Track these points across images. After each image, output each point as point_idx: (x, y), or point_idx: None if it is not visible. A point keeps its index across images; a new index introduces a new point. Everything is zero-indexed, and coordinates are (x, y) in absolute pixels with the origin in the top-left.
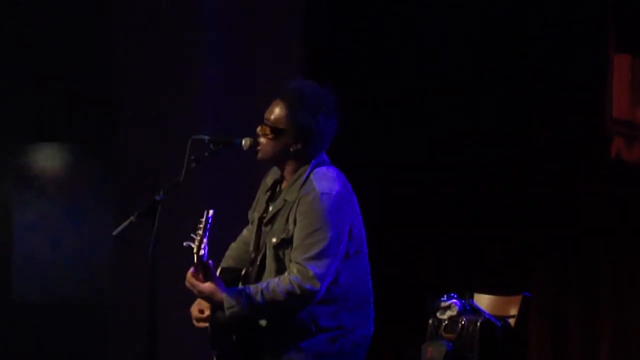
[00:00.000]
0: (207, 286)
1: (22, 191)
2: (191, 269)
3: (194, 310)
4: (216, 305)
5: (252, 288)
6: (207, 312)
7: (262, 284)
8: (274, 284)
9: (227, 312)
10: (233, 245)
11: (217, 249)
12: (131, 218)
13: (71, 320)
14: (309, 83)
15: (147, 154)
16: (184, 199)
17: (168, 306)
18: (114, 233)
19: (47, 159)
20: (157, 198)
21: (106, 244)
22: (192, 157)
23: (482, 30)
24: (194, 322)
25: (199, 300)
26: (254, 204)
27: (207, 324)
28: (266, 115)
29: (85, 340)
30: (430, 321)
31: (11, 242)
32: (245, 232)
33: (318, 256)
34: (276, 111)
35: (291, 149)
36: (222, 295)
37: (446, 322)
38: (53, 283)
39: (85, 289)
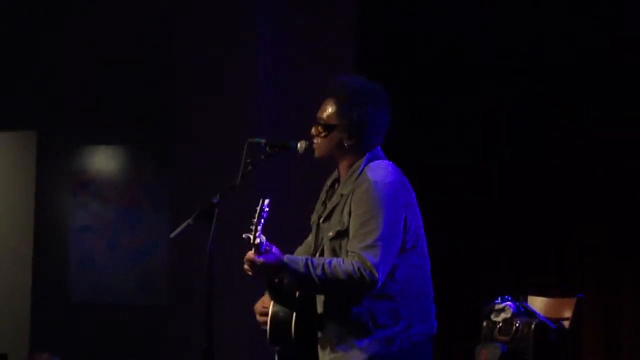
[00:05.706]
0: (268, 257)
1: (79, 194)
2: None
3: (258, 306)
4: (278, 272)
5: (315, 260)
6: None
7: (325, 259)
8: (336, 261)
9: (287, 279)
10: (299, 249)
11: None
12: (188, 221)
13: (128, 320)
14: (356, 77)
15: (203, 156)
16: (241, 201)
17: (224, 306)
18: (172, 235)
19: (104, 161)
20: (214, 201)
21: (163, 246)
22: (249, 161)
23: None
24: (257, 317)
25: (263, 298)
26: (316, 208)
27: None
28: (318, 115)
29: (141, 340)
30: (485, 323)
31: (68, 244)
32: (310, 236)
33: (374, 244)
34: (327, 109)
35: (345, 144)
36: (285, 260)
37: (500, 324)
38: (110, 284)
39: (142, 290)
